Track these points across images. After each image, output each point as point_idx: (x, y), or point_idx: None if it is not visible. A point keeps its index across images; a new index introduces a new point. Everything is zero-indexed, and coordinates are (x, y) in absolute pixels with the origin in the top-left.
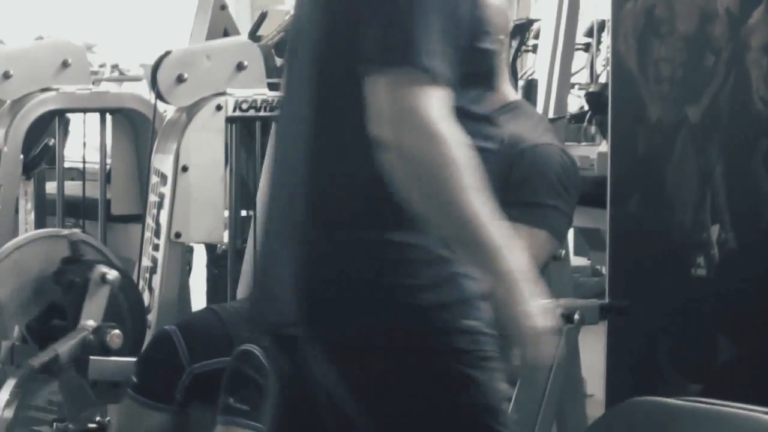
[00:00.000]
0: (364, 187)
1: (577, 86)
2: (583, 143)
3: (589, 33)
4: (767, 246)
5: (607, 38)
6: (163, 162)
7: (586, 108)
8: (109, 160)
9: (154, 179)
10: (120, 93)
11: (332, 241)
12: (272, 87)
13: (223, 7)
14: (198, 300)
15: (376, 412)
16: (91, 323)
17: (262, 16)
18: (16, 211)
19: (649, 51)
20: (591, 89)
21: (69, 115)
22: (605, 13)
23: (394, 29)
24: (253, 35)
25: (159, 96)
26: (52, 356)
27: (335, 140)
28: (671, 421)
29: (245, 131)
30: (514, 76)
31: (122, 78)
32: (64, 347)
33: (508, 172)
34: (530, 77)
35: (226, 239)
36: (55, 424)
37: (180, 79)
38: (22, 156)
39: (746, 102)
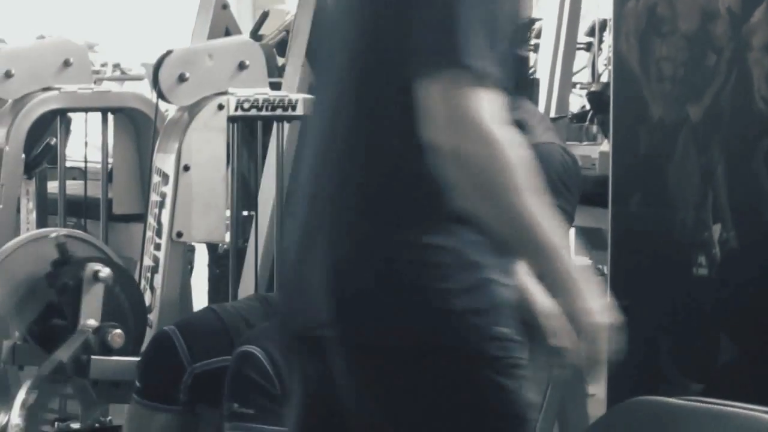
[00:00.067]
0: (403, 188)
1: (578, 85)
2: (585, 142)
3: (591, 32)
4: None
5: (608, 37)
6: (164, 161)
7: (588, 107)
8: (110, 160)
9: (156, 179)
10: (122, 92)
11: (369, 242)
12: (274, 86)
13: (225, 7)
14: (200, 299)
15: (402, 415)
16: (91, 323)
17: (264, 16)
18: (18, 210)
19: (650, 50)
20: (593, 88)
21: (70, 114)
22: (607, 12)
23: (444, 32)
24: (255, 34)
25: (161, 95)
26: (56, 365)
27: (374, 141)
28: (672, 420)
29: (247, 131)
30: None
31: (124, 77)
32: (66, 352)
33: None
34: (532, 76)
35: (227, 239)
36: (56, 423)
37: (182, 79)
38: (23, 155)
39: (748, 101)
